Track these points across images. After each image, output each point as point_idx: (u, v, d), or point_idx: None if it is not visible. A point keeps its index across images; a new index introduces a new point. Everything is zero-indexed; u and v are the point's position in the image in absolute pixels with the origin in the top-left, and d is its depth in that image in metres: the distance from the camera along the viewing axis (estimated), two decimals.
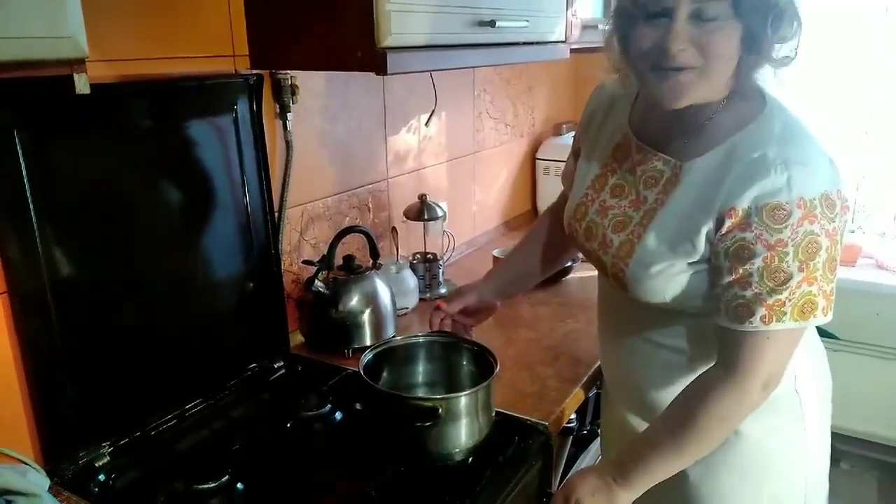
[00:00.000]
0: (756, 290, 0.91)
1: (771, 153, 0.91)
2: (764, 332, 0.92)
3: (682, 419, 0.99)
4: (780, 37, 0.91)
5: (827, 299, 0.93)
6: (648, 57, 0.92)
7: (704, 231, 0.96)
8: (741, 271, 0.92)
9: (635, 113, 1.10)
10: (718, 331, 0.97)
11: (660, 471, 1.00)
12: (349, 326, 1.48)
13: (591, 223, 1.11)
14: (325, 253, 1.47)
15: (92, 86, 0.74)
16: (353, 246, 1.58)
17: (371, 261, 1.54)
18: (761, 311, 0.91)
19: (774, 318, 0.91)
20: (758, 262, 0.91)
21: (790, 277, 0.90)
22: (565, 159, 1.28)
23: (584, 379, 1.41)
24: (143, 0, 1.15)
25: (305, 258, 1.55)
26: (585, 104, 1.23)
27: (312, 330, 1.53)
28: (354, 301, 1.48)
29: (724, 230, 0.93)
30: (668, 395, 1.09)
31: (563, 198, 1.29)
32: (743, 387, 0.95)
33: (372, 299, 1.50)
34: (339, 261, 1.50)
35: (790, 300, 0.91)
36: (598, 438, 1.51)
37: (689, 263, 0.99)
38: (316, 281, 1.44)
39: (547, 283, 1.92)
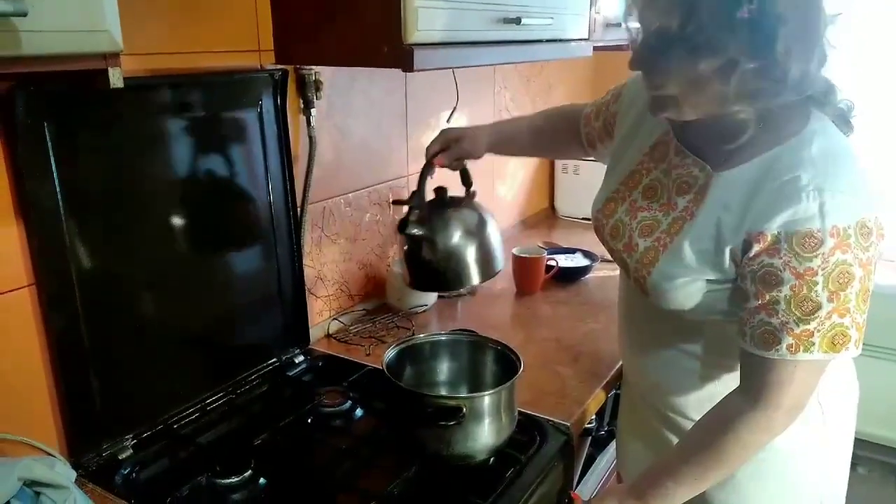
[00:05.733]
0: (783, 319, 0.88)
1: (805, 177, 0.87)
2: (791, 361, 0.90)
3: (703, 447, 0.97)
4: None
5: (859, 331, 0.89)
6: None
7: (729, 251, 0.93)
8: (767, 297, 0.89)
9: None
10: (742, 354, 0.95)
11: (679, 496, 0.99)
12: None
13: (619, 222, 1.08)
14: (414, 190, 1.24)
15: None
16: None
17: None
18: (788, 340, 0.89)
19: (802, 348, 0.88)
20: (785, 290, 0.87)
21: (818, 307, 0.87)
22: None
23: (606, 379, 1.40)
24: None
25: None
26: (628, 83, 1.17)
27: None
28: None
29: (751, 254, 0.90)
30: (688, 397, 1.09)
31: (578, 111, 1.32)
32: (767, 415, 0.93)
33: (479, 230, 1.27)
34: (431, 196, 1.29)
35: (819, 330, 0.88)
36: (615, 440, 1.50)
37: (713, 281, 0.96)
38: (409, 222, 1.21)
39: (566, 283, 1.92)
